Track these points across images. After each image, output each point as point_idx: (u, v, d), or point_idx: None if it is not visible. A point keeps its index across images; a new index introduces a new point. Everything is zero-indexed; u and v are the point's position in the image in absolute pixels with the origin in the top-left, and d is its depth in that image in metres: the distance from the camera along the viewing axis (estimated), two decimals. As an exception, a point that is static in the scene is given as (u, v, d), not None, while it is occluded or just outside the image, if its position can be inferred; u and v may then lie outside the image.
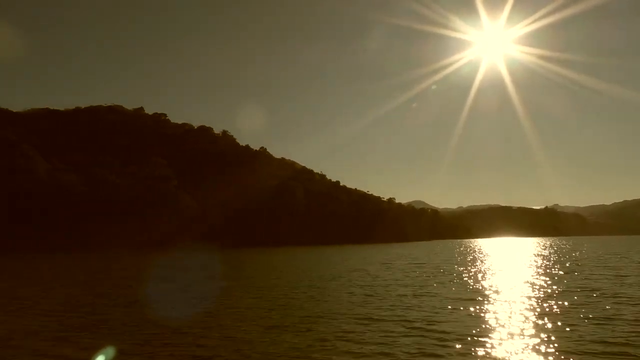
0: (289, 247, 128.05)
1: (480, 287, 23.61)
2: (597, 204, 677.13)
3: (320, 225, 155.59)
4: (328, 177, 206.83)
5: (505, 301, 18.55)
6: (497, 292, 21.61)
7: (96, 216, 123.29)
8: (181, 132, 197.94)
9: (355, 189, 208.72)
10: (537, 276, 29.39)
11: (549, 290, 21.67)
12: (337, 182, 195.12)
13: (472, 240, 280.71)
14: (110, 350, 11.93)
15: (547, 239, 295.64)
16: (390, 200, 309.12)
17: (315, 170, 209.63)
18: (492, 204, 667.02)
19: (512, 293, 21.05)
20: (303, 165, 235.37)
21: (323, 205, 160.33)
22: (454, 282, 26.94)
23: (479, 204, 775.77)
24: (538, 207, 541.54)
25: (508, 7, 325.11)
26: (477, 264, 43.54)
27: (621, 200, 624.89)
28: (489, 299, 19.27)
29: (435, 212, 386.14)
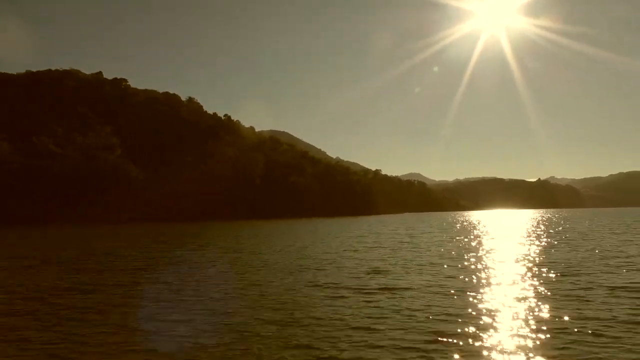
0: (241, 221, 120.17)
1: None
2: (593, 176, 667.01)
3: (280, 198, 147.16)
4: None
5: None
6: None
7: (29, 188, 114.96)
8: (143, 98, 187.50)
9: (331, 159, 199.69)
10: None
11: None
12: (306, 153, 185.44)
13: (454, 212, 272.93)
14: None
15: (537, 211, 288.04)
16: (376, 172, 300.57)
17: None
18: (487, 176, 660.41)
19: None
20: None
21: (284, 177, 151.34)
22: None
23: (475, 176, 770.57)
24: (531, 180, 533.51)
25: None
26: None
27: (617, 172, 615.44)
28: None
29: (422, 184, 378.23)
